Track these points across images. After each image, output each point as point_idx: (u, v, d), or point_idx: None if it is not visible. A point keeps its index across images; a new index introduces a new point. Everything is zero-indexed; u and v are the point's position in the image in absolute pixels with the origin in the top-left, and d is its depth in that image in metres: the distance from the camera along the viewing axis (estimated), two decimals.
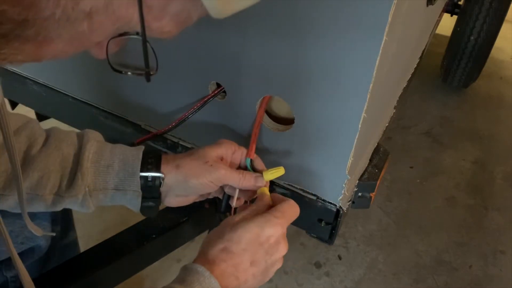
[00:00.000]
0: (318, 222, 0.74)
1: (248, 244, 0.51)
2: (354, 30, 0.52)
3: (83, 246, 0.83)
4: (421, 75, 2.32)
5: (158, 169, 0.59)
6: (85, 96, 0.91)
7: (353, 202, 0.76)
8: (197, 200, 0.66)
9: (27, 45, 0.30)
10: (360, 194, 0.75)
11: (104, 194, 0.58)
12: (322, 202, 0.72)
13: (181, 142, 0.82)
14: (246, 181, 0.60)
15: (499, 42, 2.12)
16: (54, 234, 0.64)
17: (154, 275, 1.29)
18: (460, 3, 2.03)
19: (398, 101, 1.01)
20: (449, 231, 1.57)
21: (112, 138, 0.63)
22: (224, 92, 0.70)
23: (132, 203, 0.60)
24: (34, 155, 0.56)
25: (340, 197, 0.69)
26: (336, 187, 0.68)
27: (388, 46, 0.53)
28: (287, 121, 0.70)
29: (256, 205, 0.56)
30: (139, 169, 0.58)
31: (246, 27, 0.59)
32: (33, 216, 0.70)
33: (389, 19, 0.49)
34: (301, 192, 0.73)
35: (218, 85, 0.70)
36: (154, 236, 0.74)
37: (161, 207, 0.64)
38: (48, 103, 0.98)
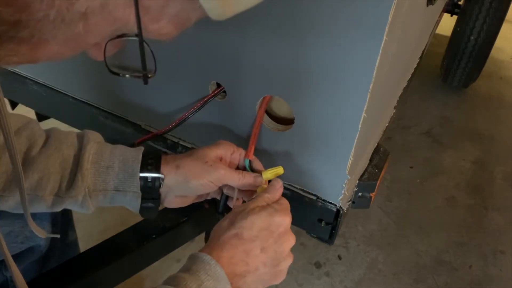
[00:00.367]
0: (318, 222, 0.74)
1: (259, 231, 0.51)
2: (354, 30, 0.52)
3: (83, 246, 0.83)
4: (421, 75, 2.32)
5: (158, 170, 0.59)
6: (85, 96, 0.91)
7: (353, 202, 0.76)
8: (195, 201, 0.66)
9: (22, 47, 0.30)
10: (360, 194, 0.75)
11: (104, 195, 0.58)
12: (322, 202, 0.72)
13: (181, 142, 0.82)
14: (246, 180, 0.60)
15: (499, 42, 2.12)
16: (58, 236, 0.64)
17: (154, 275, 1.29)
18: (460, 3, 2.03)
19: (398, 101, 1.01)
20: (449, 231, 1.57)
21: (112, 138, 0.63)
22: (224, 92, 0.70)
23: (131, 204, 0.60)
24: (34, 156, 0.56)
25: (340, 197, 0.69)
26: (336, 187, 0.68)
27: (388, 46, 0.53)
28: (287, 121, 0.70)
29: (268, 194, 0.57)
30: (139, 170, 0.58)
31: (246, 27, 0.59)
32: (33, 216, 0.69)
33: (389, 19, 0.49)
34: (301, 192, 0.73)
35: (218, 85, 0.70)
36: (154, 236, 0.74)
37: (160, 208, 0.64)
38: (48, 103, 0.98)
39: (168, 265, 1.32)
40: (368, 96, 0.56)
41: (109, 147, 0.60)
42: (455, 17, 2.08)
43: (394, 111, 1.00)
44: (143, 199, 0.59)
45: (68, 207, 0.58)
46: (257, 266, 0.51)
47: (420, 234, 1.55)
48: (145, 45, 0.34)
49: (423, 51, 1.20)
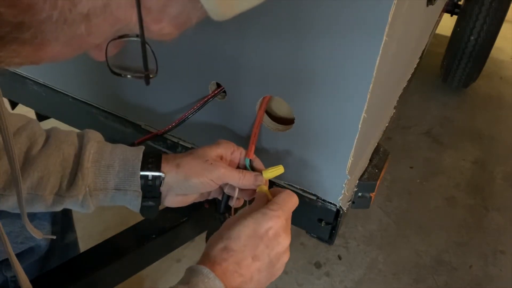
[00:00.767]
0: (318, 222, 0.74)
1: (247, 239, 0.51)
2: (354, 30, 0.52)
3: (83, 246, 0.83)
4: (421, 75, 2.32)
5: (158, 169, 0.59)
6: (85, 96, 0.91)
7: (353, 202, 0.76)
8: (196, 201, 0.66)
9: (25, 48, 0.30)
10: (360, 194, 0.76)
11: (104, 194, 0.58)
12: (322, 202, 0.72)
13: (181, 142, 0.82)
14: (246, 179, 0.60)
15: (499, 42, 2.12)
16: (54, 237, 0.64)
17: (154, 275, 1.29)
18: (460, 3, 2.03)
19: (398, 101, 1.01)
20: (449, 231, 1.57)
21: (112, 138, 0.63)
22: (224, 92, 0.70)
23: (132, 203, 0.60)
24: (35, 156, 0.56)
25: (340, 197, 0.69)
26: (336, 187, 0.68)
27: (388, 46, 0.53)
28: (287, 121, 0.70)
29: (254, 203, 0.56)
30: (139, 169, 0.58)
31: (246, 27, 0.59)
32: (33, 216, 0.70)
33: (389, 19, 0.49)
34: (301, 192, 0.73)
35: (218, 85, 0.70)
36: (154, 236, 0.74)
37: (161, 208, 0.64)
38: (48, 103, 0.98)
39: (168, 265, 1.32)
40: (368, 96, 0.56)
41: (109, 146, 0.60)
42: (455, 17, 2.08)
43: (394, 111, 1.00)
44: (144, 198, 0.59)
45: (69, 206, 0.58)
46: (252, 275, 0.51)
47: (420, 234, 1.55)
48: (146, 45, 0.34)
49: (423, 51, 1.20)
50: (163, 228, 0.75)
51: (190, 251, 1.34)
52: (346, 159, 0.64)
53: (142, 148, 0.61)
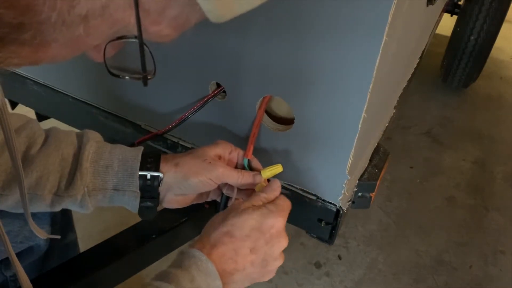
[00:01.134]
0: (318, 222, 0.74)
1: (250, 230, 0.51)
2: (354, 30, 0.52)
3: (83, 246, 0.83)
4: (421, 75, 2.32)
5: (157, 169, 0.59)
6: (85, 96, 0.91)
7: (353, 202, 0.76)
8: (195, 202, 0.66)
9: (24, 49, 0.30)
10: (360, 194, 0.75)
11: (103, 194, 0.58)
12: (322, 202, 0.72)
13: (181, 142, 0.82)
14: (245, 179, 0.60)
15: (499, 42, 2.12)
16: (58, 237, 0.64)
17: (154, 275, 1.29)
18: (460, 3, 2.03)
19: (398, 101, 1.01)
20: (449, 231, 1.57)
21: (112, 138, 0.63)
22: (224, 92, 0.70)
23: (130, 204, 0.60)
24: (33, 155, 0.56)
25: (340, 197, 0.69)
26: (336, 187, 0.68)
27: (388, 46, 0.53)
28: (287, 121, 0.70)
29: (265, 194, 0.56)
30: (138, 169, 0.58)
31: (246, 27, 0.59)
32: (33, 216, 0.70)
33: (389, 19, 0.49)
34: (301, 192, 0.73)
35: (218, 85, 0.70)
36: (154, 236, 0.74)
37: (160, 209, 0.64)
38: (48, 103, 0.98)
39: (168, 265, 1.31)
40: (368, 96, 0.56)
41: (108, 146, 0.60)
42: (455, 17, 2.08)
43: (394, 111, 1.00)
44: (142, 198, 0.59)
45: (67, 206, 0.58)
46: (245, 265, 0.51)
47: (420, 234, 1.55)
48: (144, 46, 0.34)
49: (423, 51, 1.20)
50: (163, 228, 0.75)
51: None
52: (346, 159, 0.64)
53: (141, 148, 0.61)
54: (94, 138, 0.60)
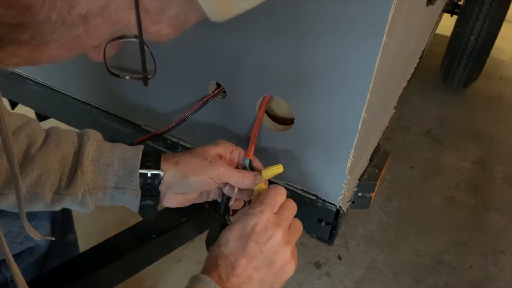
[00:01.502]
0: (318, 222, 0.74)
1: (234, 241, 0.51)
2: (354, 30, 0.52)
3: (83, 246, 0.83)
4: (421, 75, 2.32)
5: (157, 167, 0.59)
6: (85, 96, 0.91)
7: (353, 202, 0.76)
8: (195, 201, 0.66)
9: (23, 49, 0.30)
10: (360, 194, 0.75)
11: (103, 192, 0.58)
12: (322, 202, 0.72)
13: (181, 142, 0.82)
14: (245, 179, 0.60)
15: (499, 42, 2.11)
16: (53, 238, 0.63)
17: (154, 275, 1.29)
18: (460, 3, 2.03)
19: (398, 101, 1.01)
20: (449, 231, 1.57)
21: (112, 139, 0.63)
22: (224, 92, 0.70)
23: (131, 203, 0.60)
24: (34, 154, 0.56)
25: (340, 197, 0.69)
26: (336, 187, 0.68)
27: (388, 46, 0.53)
28: (287, 121, 0.70)
29: (251, 203, 0.56)
30: (138, 168, 0.58)
31: (246, 27, 0.59)
32: (33, 216, 0.70)
33: (389, 19, 0.49)
34: (301, 192, 0.73)
35: (218, 85, 0.70)
36: (154, 236, 0.74)
37: (160, 208, 0.64)
38: (48, 103, 0.98)
39: (168, 265, 1.32)
40: (368, 96, 0.56)
41: (108, 145, 0.60)
42: (455, 17, 2.08)
43: (394, 111, 1.00)
44: (143, 196, 0.59)
45: (68, 205, 0.58)
46: (249, 274, 0.50)
47: (420, 234, 1.55)
48: (144, 46, 0.34)
49: (423, 51, 1.20)
50: (163, 228, 0.75)
51: (190, 251, 1.34)
52: (346, 159, 0.64)
53: (141, 147, 0.61)
54: (94, 136, 0.60)
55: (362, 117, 0.58)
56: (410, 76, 1.09)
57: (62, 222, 0.80)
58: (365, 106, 0.57)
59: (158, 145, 0.82)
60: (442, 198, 1.70)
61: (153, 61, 0.38)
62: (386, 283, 1.38)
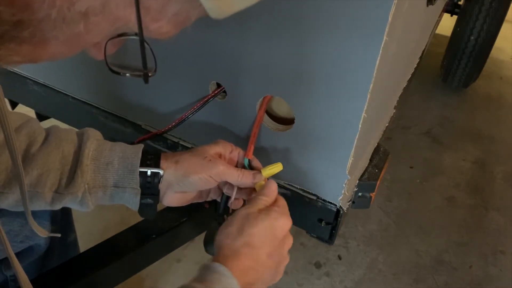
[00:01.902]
0: (318, 222, 0.74)
1: (266, 236, 0.52)
2: (354, 30, 0.52)
3: (83, 245, 0.83)
4: (421, 75, 2.32)
5: (157, 166, 0.59)
6: (85, 96, 0.91)
7: (353, 202, 0.76)
8: (195, 201, 0.66)
9: (23, 46, 0.30)
10: (360, 194, 0.75)
11: (103, 191, 0.58)
12: (322, 202, 0.72)
13: (181, 142, 0.82)
14: (245, 177, 0.60)
15: (499, 42, 2.11)
16: (59, 235, 0.63)
17: (154, 275, 1.29)
18: (460, 3, 2.03)
19: (398, 101, 1.01)
20: (449, 231, 1.57)
21: (112, 138, 0.63)
22: (224, 92, 0.70)
23: (130, 201, 0.60)
24: (34, 153, 0.56)
25: (340, 197, 0.69)
26: (336, 187, 0.68)
27: (388, 46, 0.53)
28: (287, 121, 0.70)
29: (266, 197, 0.56)
30: (138, 166, 0.58)
31: (247, 27, 0.59)
32: (33, 215, 0.69)
33: (389, 19, 0.49)
34: (301, 192, 0.73)
35: (218, 85, 0.70)
36: (154, 236, 0.74)
37: (160, 207, 0.64)
38: (48, 103, 0.98)
39: (168, 265, 1.32)
40: (368, 96, 0.56)
41: (108, 144, 0.60)
42: (455, 17, 2.08)
43: (394, 111, 1.00)
44: (142, 195, 0.59)
45: (68, 204, 0.58)
46: (264, 271, 0.52)
47: (420, 234, 1.55)
48: (145, 44, 0.34)
49: (423, 51, 1.20)
50: (163, 228, 0.75)
51: (190, 251, 1.34)
52: (346, 159, 0.64)
53: (141, 146, 0.61)
54: (94, 136, 0.60)
55: (362, 117, 0.58)
56: (410, 76, 1.09)
57: (62, 221, 0.80)
58: (365, 106, 0.57)
59: (158, 145, 0.82)
60: (442, 198, 1.70)
61: (154, 58, 0.38)
62: (386, 283, 1.38)
